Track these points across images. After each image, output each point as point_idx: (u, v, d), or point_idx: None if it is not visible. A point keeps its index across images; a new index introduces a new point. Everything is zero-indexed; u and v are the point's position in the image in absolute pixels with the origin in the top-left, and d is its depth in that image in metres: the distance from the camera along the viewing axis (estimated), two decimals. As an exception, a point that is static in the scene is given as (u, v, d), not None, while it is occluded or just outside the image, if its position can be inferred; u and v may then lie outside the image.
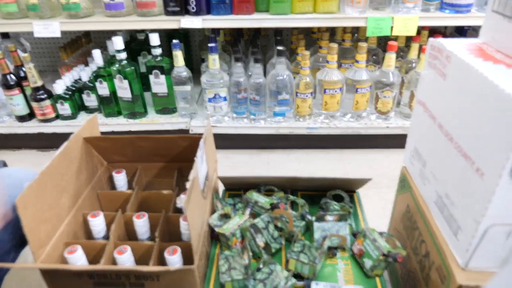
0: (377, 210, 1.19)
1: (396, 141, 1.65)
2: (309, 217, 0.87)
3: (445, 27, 1.95)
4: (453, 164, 0.64)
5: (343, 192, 0.97)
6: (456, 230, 0.64)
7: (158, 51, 1.58)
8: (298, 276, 0.76)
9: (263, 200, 0.91)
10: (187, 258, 0.73)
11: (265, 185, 0.98)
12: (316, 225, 0.85)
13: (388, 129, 1.63)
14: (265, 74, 1.64)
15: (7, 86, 1.60)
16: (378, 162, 1.66)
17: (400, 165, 0.91)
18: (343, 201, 0.95)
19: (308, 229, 0.89)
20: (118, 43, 1.50)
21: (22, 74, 1.66)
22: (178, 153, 0.97)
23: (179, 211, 0.90)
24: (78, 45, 1.92)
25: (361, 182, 0.94)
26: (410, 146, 0.86)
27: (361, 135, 1.66)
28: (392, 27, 1.47)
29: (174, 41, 1.52)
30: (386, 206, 1.14)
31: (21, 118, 1.71)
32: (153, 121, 1.69)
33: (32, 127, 1.71)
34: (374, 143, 1.72)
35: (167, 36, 2.01)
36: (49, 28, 1.53)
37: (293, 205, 0.96)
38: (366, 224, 0.91)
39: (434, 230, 0.71)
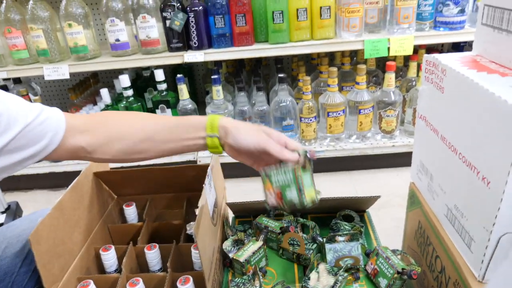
0: (389, 229, 1.18)
1: (403, 159, 1.65)
2: (320, 239, 0.87)
3: (442, 45, 1.98)
4: (459, 175, 0.64)
5: (353, 212, 0.96)
6: (469, 242, 0.63)
7: (163, 86, 1.62)
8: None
9: (273, 224, 0.91)
10: (200, 287, 0.72)
11: (274, 210, 0.98)
12: (327, 246, 0.84)
13: (394, 147, 1.63)
14: (268, 101, 1.67)
15: (19, 129, 1.65)
16: (387, 182, 1.65)
17: (409, 182, 0.91)
18: (353, 221, 0.94)
19: (320, 251, 0.88)
20: (124, 80, 1.56)
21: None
22: (186, 183, 0.98)
23: (190, 240, 0.90)
24: (87, 85, 1.98)
25: (371, 200, 0.93)
26: (416, 161, 0.86)
27: (368, 156, 1.67)
28: (389, 48, 1.50)
29: (178, 75, 1.57)
30: (399, 225, 1.13)
31: (33, 159, 1.74)
32: (161, 154, 1.71)
33: (43, 167, 1.74)
34: (382, 162, 1.72)
35: (171, 71, 2.07)
36: (59, 71, 1.59)
37: (304, 228, 0.96)
38: (379, 242, 0.90)
39: (448, 244, 0.70)
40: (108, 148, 0.68)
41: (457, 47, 1.84)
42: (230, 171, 1.48)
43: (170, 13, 1.51)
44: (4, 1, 1.56)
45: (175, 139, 0.70)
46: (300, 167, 0.67)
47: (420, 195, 0.84)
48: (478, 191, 0.58)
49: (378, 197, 0.91)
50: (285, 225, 0.90)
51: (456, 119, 0.65)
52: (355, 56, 1.86)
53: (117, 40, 1.56)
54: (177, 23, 1.51)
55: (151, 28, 1.54)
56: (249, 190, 1.69)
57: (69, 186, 0.80)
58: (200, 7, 1.51)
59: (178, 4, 1.51)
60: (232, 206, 0.98)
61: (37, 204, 1.72)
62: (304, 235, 0.90)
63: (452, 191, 0.69)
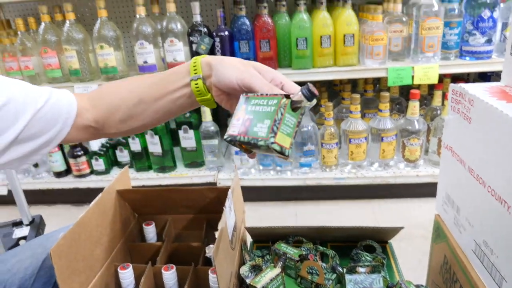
0: (412, 262, 1.14)
1: (427, 189, 1.61)
2: (340, 269, 0.85)
3: (468, 74, 1.96)
4: (488, 209, 0.62)
5: (374, 242, 0.94)
6: (500, 282, 0.60)
7: (187, 108, 1.66)
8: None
9: (291, 251, 0.89)
10: (216, 311, 0.71)
11: (294, 236, 0.97)
12: (348, 277, 0.82)
13: (418, 177, 1.60)
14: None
15: (47, 145, 1.71)
16: (411, 212, 1.61)
17: (434, 214, 0.88)
18: (375, 252, 0.91)
19: (340, 282, 0.85)
20: (150, 101, 1.60)
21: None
22: (206, 205, 0.98)
23: (208, 263, 0.89)
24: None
25: (393, 231, 0.91)
26: (441, 192, 0.84)
27: (390, 184, 1.63)
28: (413, 76, 1.50)
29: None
30: (423, 258, 1.09)
31: (58, 174, 1.79)
32: (182, 175, 1.73)
33: (67, 183, 1.78)
34: (405, 192, 1.68)
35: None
36: (88, 90, 1.65)
37: (323, 257, 0.94)
38: (401, 276, 0.87)
39: (476, 282, 0.67)
40: (111, 121, 0.65)
41: (484, 77, 1.82)
42: (249, 195, 1.48)
43: (197, 38, 1.56)
44: (43, 24, 1.65)
45: (162, 93, 0.61)
46: (288, 105, 0.51)
47: (446, 228, 0.81)
48: (509, 227, 0.56)
49: (401, 228, 0.88)
50: (304, 252, 0.88)
51: (484, 151, 0.63)
52: (378, 83, 1.86)
53: (145, 62, 1.61)
54: (203, 47, 1.55)
55: (178, 52, 1.58)
56: (267, 215, 1.68)
57: (92, 202, 0.82)
58: (226, 32, 1.55)
59: (205, 29, 1.56)
60: (251, 230, 0.97)
61: (59, 219, 1.76)
62: (324, 264, 0.88)
63: (480, 226, 0.66)
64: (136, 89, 0.63)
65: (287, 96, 0.50)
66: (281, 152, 0.50)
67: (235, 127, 0.53)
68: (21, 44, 1.67)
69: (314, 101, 0.53)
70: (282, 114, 0.50)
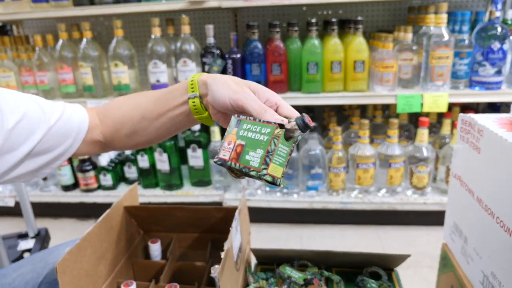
0: (418, 291, 1.12)
1: (434, 217, 1.59)
2: (345, 295, 0.83)
3: (477, 104, 1.96)
4: (497, 241, 0.61)
5: (380, 269, 0.93)
6: (508, 314, 0.59)
7: (197, 127, 1.68)
8: None
9: (296, 275, 0.89)
10: (218, 334, 0.70)
11: (299, 260, 0.96)
12: (353, 304, 0.80)
13: (425, 205, 1.58)
14: (298, 149, 1.68)
15: (57, 158, 1.73)
16: (417, 240, 1.58)
17: (441, 243, 0.87)
18: (380, 279, 0.90)
19: (345, 309, 0.84)
20: (160, 119, 1.62)
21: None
22: (212, 225, 0.98)
23: (212, 284, 0.88)
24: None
25: (400, 258, 0.90)
26: (449, 221, 0.83)
27: (397, 211, 1.62)
28: (422, 104, 1.50)
29: (212, 117, 1.62)
30: (429, 287, 1.07)
31: (66, 188, 1.81)
32: (188, 193, 1.73)
33: (75, 197, 1.79)
34: (412, 219, 1.66)
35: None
36: (100, 106, 1.68)
37: (328, 282, 0.93)
38: (407, 305, 0.85)
39: (483, 314, 0.66)
40: (118, 136, 0.66)
41: (493, 107, 1.82)
42: (254, 216, 1.47)
43: (210, 59, 1.59)
44: (61, 40, 1.70)
45: (163, 110, 0.62)
46: (282, 135, 0.50)
47: (453, 257, 0.80)
48: (518, 259, 0.55)
49: (408, 255, 0.87)
50: (309, 277, 0.87)
51: (493, 181, 0.63)
52: (387, 109, 1.87)
53: (158, 80, 1.65)
54: (215, 69, 1.58)
55: (191, 72, 1.62)
56: (272, 237, 1.66)
57: (100, 218, 0.82)
58: (238, 55, 1.59)
59: (218, 51, 1.60)
60: (256, 252, 0.97)
61: (64, 232, 1.76)
62: (328, 290, 0.87)
63: (488, 257, 0.65)
64: (140, 106, 0.64)
65: (281, 126, 0.50)
66: (273, 183, 0.50)
67: (226, 151, 0.53)
68: (38, 59, 1.72)
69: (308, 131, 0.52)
70: (275, 145, 0.50)
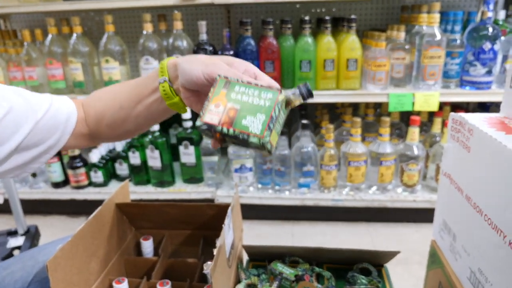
0: (407, 287, 1.13)
1: (424, 215, 1.61)
2: (336, 291, 0.84)
3: (467, 103, 1.99)
4: (484, 238, 0.62)
5: (370, 265, 0.94)
6: (495, 310, 0.60)
7: (189, 124, 1.67)
8: None
9: (287, 271, 0.89)
10: (210, 330, 0.70)
11: (290, 256, 0.96)
12: (343, 300, 0.81)
13: (415, 202, 1.60)
14: (290, 146, 1.69)
15: (48, 154, 1.72)
16: (407, 237, 1.60)
17: (430, 240, 0.88)
18: (370, 275, 0.91)
19: (335, 305, 0.85)
20: (152, 116, 1.61)
21: (62, 144, 1.78)
22: (204, 222, 0.98)
23: (204, 280, 0.89)
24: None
25: (390, 255, 0.91)
26: (438, 218, 0.84)
27: (387, 208, 1.63)
28: (413, 103, 1.52)
29: (204, 114, 1.61)
30: (418, 283, 1.09)
31: (56, 185, 1.79)
32: (180, 190, 1.73)
33: (65, 194, 1.78)
34: (402, 216, 1.68)
35: (197, 110, 2.14)
36: (92, 102, 1.66)
37: (319, 278, 0.93)
38: (397, 301, 0.87)
39: (471, 309, 0.67)
40: (101, 127, 0.65)
41: (484, 106, 1.84)
42: (246, 212, 1.47)
43: (203, 56, 1.58)
44: (50, 35, 1.68)
45: (138, 99, 0.61)
46: (284, 101, 0.47)
47: (441, 254, 0.82)
48: (504, 257, 0.56)
49: (398, 252, 0.88)
50: (300, 273, 0.88)
51: (482, 180, 0.64)
52: (379, 107, 1.89)
53: (150, 77, 1.63)
54: (208, 65, 1.57)
55: (183, 68, 1.61)
56: (263, 233, 1.67)
57: (92, 215, 0.82)
58: (231, 52, 1.58)
59: (211, 48, 1.59)
60: (248, 248, 0.97)
61: (54, 230, 1.75)
62: (319, 286, 0.87)
63: (476, 254, 0.67)
64: (117, 96, 0.63)
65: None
66: (269, 151, 0.48)
67: (213, 114, 0.48)
68: (27, 54, 1.70)
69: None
70: (279, 111, 0.47)
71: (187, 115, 1.65)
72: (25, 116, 0.56)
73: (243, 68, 0.55)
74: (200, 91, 0.56)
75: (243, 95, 0.48)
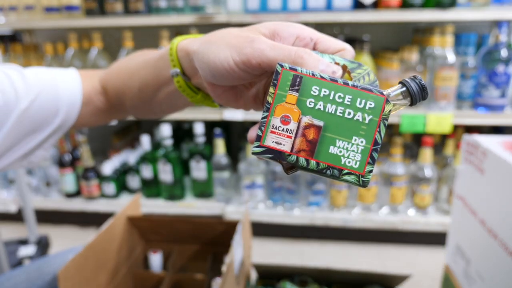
0: (419, 313, 1.10)
1: (436, 238, 1.58)
2: (345, 313, 0.83)
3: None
4: (500, 263, 0.61)
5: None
6: None
7: (201, 139, 1.69)
8: None
9: (296, 291, 0.88)
10: None
11: (299, 275, 0.95)
12: (353, 323, 0.80)
13: (427, 225, 1.57)
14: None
15: (62, 164, 1.74)
16: (419, 260, 1.57)
17: (442, 263, 0.87)
18: (381, 299, 0.90)
19: (344, 328, 0.83)
20: (165, 130, 1.63)
21: (76, 155, 1.81)
22: (214, 238, 0.98)
23: (211, 297, 0.88)
24: (129, 131, 2.10)
25: (400, 278, 0.89)
26: (452, 242, 0.83)
27: (398, 231, 1.61)
28: (425, 124, 1.51)
29: (217, 130, 1.63)
30: (429, 309, 1.06)
31: (69, 195, 1.81)
32: (190, 205, 1.73)
33: (77, 204, 1.80)
34: (414, 239, 1.65)
35: (209, 124, 2.15)
36: (107, 116, 1.69)
37: (328, 300, 0.92)
38: (408, 326, 0.85)
39: (485, 338, 0.65)
40: (124, 106, 0.56)
41: (498, 128, 1.82)
42: (255, 229, 1.47)
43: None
44: (71, 50, 1.73)
45: (156, 85, 0.48)
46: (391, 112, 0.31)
47: (455, 280, 0.80)
48: (520, 283, 0.55)
49: (408, 275, 0.87)
50: (309, 293, 0.87)
51: (497, 203, 0.63)
52: (390, 128, 1.88)
53: (165, 92, 1.66)
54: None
55: (197, 85, 1.63)
56: (272, 251, 1.65)
57: (103, 227, 0.83)
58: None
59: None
60: (257, 266, 0.96)
61: (64, 240, 1.76)
62: (328, 307, 0.86)
63: (491, 280, 0.65)
64: (135, 76, 0.51)
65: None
66: (364, 187, 0.32)
67: (280, 135, 0.30)
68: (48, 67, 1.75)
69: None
70: (384, 129, 0.30)
71: (200, 129, 1.67)
72: (6, 110, 0.48)
73: (294, 34, 0.36)
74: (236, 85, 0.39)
75: (327, 101, 0.30)
